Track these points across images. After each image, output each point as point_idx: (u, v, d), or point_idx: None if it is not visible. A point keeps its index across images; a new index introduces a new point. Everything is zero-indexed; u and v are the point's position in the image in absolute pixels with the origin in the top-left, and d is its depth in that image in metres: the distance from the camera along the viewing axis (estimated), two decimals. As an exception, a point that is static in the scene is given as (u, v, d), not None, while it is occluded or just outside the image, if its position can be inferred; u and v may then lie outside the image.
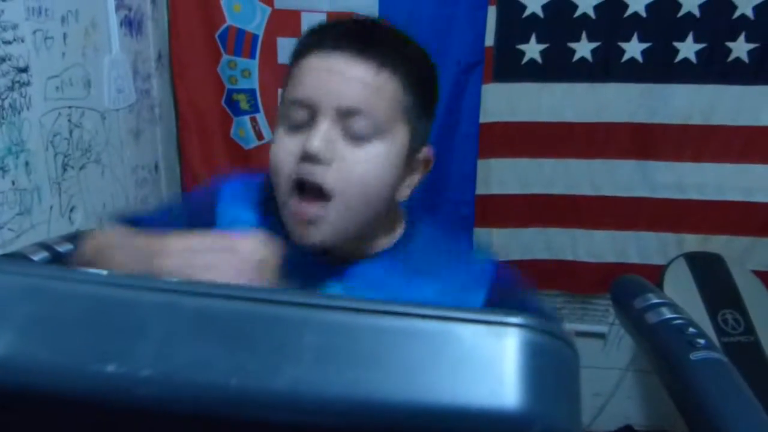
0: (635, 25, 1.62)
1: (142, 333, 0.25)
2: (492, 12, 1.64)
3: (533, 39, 1.65)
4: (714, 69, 1.64)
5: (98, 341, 0.24)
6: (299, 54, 0.70)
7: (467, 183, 1.77)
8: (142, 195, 1.67)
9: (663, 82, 1.67)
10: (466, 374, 0.23)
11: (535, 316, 0.25)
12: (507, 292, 0.76)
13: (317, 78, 0.66)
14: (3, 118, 1.19)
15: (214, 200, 0.80)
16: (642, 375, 1.95)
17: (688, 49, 1.63)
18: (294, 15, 1.66)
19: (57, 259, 0.90)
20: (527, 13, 1.63)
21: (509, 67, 1.68)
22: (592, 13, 1.62)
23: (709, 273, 1.63)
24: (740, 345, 1.51)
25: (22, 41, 1.23)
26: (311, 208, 0.67)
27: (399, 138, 0.69)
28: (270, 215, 0.75)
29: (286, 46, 1.69)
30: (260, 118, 1.75)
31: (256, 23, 1.67)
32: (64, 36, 1.34)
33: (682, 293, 1.60)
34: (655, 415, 2.02)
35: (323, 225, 0.67)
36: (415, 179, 0.75)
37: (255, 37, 1.68)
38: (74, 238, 0.93)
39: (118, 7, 1.49)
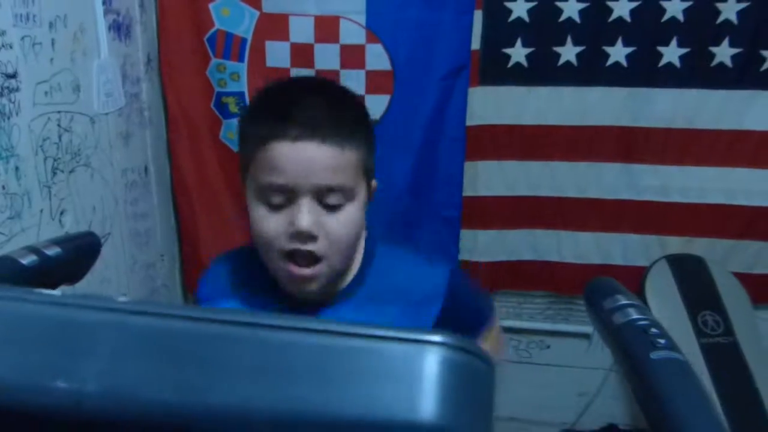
0: (620, 29, 1.64)
1: (90, 351, 0.27)
2: (478, 16, 1.66)
3: (519, 43, 1.67)
4: (697, 73, 1.66)
5: (49, 359, 0.27)
6: (263, 141, 0.77)
7: (454, 185, 1.79)
8: (132, 197, 1.69)
9: (647, 86, 1.68)
10: (385, 389, 0.25)
11: (452, 334, 0.27)
12: (460, 298, 0.87)
13: (292, 165, 0.75)
14: (-8, 123, 1.21)
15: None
16: (627, 375, 1.98)
17: (671, 53, 1.65)
18: (282, 19, 1.68)
19: (46, 262, 0.92)
20: (513, 17, 1.64)
21: (495, 71, 1.70)
22: (577, 18, 1.63)
23: (691, 275, 1.65)
24: (719, 346, 1.54)
25: (11, 47, 1.24)
26: (306, 271, 0.79)
27: (362, 193, 0.81)
28: (253, 282, 0.88)
29: (274, 50, 1.71)
30: (249, 120, 1.76)
31: (245, 27, 1.68)
32: (53, 41, 1.36)
33: (663, 294, 1.62)
34: (639, 414, 2.04)
35: (317, 280, 0.80)
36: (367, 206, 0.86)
37: (244, 40, 1.70)
38: (63, 241, 0.95)
39: (106, 12, 1.51)
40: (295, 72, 1.72)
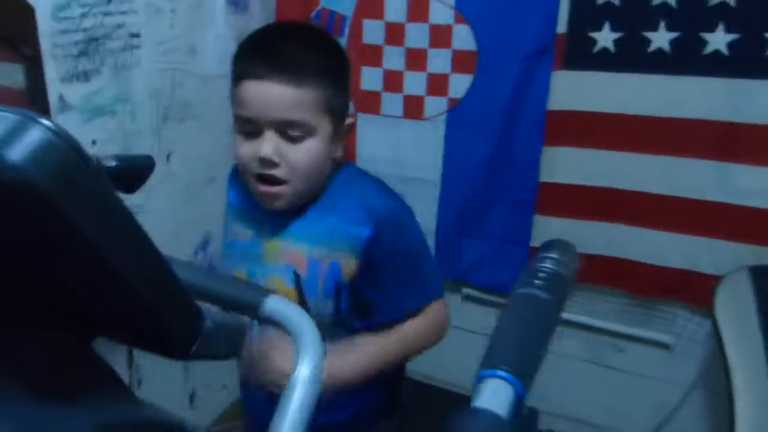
0: (721, 14, 1.51)
1: None
2: (565, 0, 1.64)
3: (607, 27, 1.62)
4: (815, 66, 1.48)
5: None
6: (239, 78, 0.91)
7: (530, 169, 1.79)
8: (238, 151, 1.94)
9: (752, 77, 1.53)
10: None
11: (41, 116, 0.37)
12: (390, 229, 0.94)
13: (257, 101, 0.88)
14: (115, 72, 1.51)
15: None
16: (712, 395, 1.81)
17: (783, 42, 1.49)
18: (379, -1, 1.81)
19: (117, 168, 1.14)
20: (602, 0, 1.60)
21: (580, 55, 1.66)
22: (672, 2, 1.54)
23: (774, 288, 1.48)
24: (793, 369, 1.37)
25: (136, 12, 1.53)
26: (272, 190, 0.93)
27: (324, 129, 0.92)
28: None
29: (370, 27, 1.85)
30: (345, 92, 1.93)
31: (346, 5, 1.84)
32: (173, 10, 1.63)
33: (735, 304, 1.48)
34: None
35: (281, 199, 0.94)
36: (343, 141, 0.97)
37: (344, 18, 1.86)
38: (122, 158, 1.17)
39: (225, -13, 1.76)
40: (389, 50, 1.85)
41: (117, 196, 0.42)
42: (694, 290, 1.70)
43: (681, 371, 1.83)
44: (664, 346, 1.84)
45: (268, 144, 0.89)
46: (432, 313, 1.00)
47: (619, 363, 1.92)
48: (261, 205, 0.98)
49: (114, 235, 0.43)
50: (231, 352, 0.57)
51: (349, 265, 0.94)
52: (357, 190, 0.97)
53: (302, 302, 0.95)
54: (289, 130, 0.89)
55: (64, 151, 0.37)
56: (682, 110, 1.62)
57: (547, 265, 0.78)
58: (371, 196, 0.96)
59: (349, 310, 0.98)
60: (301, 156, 0.90)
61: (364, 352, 0.94)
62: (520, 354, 0.59)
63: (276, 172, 0.90)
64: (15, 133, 0.36)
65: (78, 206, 0.39)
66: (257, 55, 0.90)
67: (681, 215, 1.68)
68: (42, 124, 0.37)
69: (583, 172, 1.75)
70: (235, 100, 0.92)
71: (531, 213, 1.82)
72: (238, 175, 1.09)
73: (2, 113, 0.37)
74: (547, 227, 1.82)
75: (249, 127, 0.91)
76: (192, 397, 1.97)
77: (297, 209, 0.97)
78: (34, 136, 0.36)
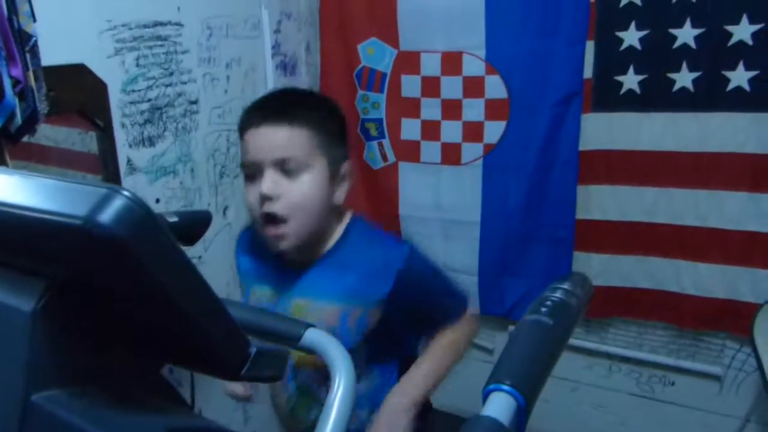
0: (741, 53, 1.57)
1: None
2: (590, 46, 1.73)
3: (631, 70, 1.69)
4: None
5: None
6: (241, 131, 1.03)
7: (566, 207, 1.85)
8: (289, 202, 2.08)
9: (776, 111, 1.58)
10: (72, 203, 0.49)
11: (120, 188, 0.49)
12: (413, 278, 1.00)
13: (255, 144, 1.00)
14: (176, 136, 1.67)
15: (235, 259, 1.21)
16: (765, 428, 1.79)
17: (806, 75, 1.53)
18: (415, 56, 1.94)
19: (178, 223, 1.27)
20: (624, 46, 1.68)
21: (608, 98, 1.74)
22: (692, 44, 1.61)
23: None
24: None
25: (195, 82, 1.70)
26: (276, 230, 0.99)
27: (319, 166, 1.00)
28: (258, 246, 1.12)
29: (408, 82, 1.98)
30: (385, 143, 2.05)
31: (385, 63, 1.98)
32: (228, 77, 1.80)
33: (774, 334, 1.49)
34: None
35: (286, 238, 1.00)
36: (345, 186, 1.05)
37: (384, 75, 2.00)
38: (182, 213, 1.32)
39: (274, 55, 1.93)
40: (426, 102, 1.97)
41: (179, 246, 0.54)
42: (738, 320, 1.71)
43: (733, 403, 1.82)
44: (715, 378, 1.83)
45: (267, 180, 0.96)
46: (465, 321, 1.08)
47: (670, 396, 1.91)
48: (274, 257, 1.05)
49: (177, 277, 0.54)
50: (275, 376, 0.67)
51: (374, 315, 1.01)
52: (371, 246, 1.04)
53: None
54: (285, 166, 0.96)
55: (139, 214, 0.49)
56: (710, 145, 1.66)
57: (556, 295, 0.86)
58: (385, 252, 1.03)
59: (380, 349, 1.05)
60: (298, 189, 0.97)
61: (424, 371, 1.02)
62: (521, 371, 0.67)
63: (277, 209, 0.97)
64: (104, 201, 0.47)
65: (149, 254, 0.51)
66: (254, 109, 1.02)
67: (719, 246, 1.71)
68: (123, 195, 0.49)
69: (619, 209, 1.80)
70: (241, 149, 1.02)
71: (570, 249, 1.87)
72: (244, 241, 1.20)
73: (95, 187, 0.50)
74: (587, 263, 1.87)
75: (252, 171, 0.99)
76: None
77: (313, 265, 1.04)
78: (118, 204, 0.48)
